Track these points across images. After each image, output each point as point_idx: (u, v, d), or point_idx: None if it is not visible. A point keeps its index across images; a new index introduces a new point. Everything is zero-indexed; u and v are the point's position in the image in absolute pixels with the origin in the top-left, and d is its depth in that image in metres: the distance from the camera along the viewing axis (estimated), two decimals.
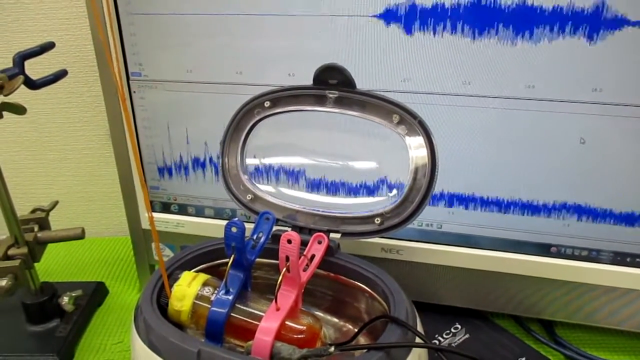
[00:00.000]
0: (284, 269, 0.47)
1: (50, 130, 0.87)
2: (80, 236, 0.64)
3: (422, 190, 0.51)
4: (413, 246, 0.61)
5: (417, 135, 0.51)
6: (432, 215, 0.61)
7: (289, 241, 0.46)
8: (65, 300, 0.66)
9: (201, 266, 0.55)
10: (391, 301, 0.47)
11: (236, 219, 0.46)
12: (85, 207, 0.93)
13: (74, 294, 0.67)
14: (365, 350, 0.43)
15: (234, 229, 0.46)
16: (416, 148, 0.51)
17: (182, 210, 0.69)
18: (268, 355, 0.45)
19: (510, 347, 0.60)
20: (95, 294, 0.72)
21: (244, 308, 0.49)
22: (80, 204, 0.93)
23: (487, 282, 0.62)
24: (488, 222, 0.59)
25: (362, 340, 0.52)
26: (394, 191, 0.54)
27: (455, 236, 0.61)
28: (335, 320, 0.56)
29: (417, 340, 0.45)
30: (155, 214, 0.70)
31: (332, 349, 0.44)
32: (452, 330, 0.62)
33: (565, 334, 0.65)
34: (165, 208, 0.70)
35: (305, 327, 0.47)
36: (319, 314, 0.55)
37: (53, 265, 0.82)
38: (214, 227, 0.67)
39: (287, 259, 0.47)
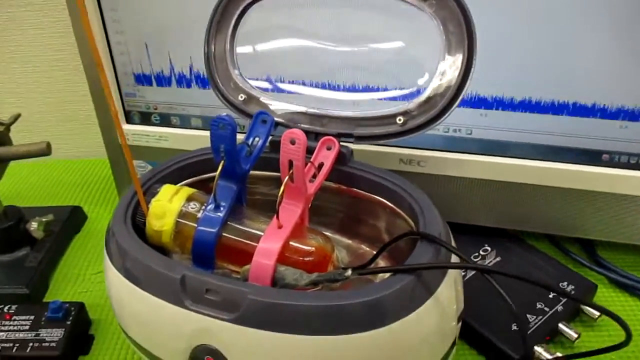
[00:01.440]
0: (287, 178, 0.38)
1: (16, 39, 0.76)
2: (45, 151, 0.54)
3: (455, 83, 0.41)
4: (437, 156, 0.52)
5: (449, 13, 0.40)
6: (461, 119, 0.51)
7: (293, 142, 0.37)
8: (34, 225, 0.57)
9: (187, 180, 0.46)
10: (420, 218, 0.38)
11: (224, 114, 0.37)
12: (61, 128, 0.83)
13: (44, 219, 0.59)
14: (389, 274, 0.35)
15: (221, 127, 0.37)
16: (449, 29, 0.40)
17: (165, 121, 0.59)
18: (269, 281, 0.36)
19: (548, 270, 0.52)
20: (70, 220, 0.64)
21: (239, 227, 0.40)
22: (54, 124, 0.83)
23: (522, 198, 0.53)
24: (526, 125, 0.50)
25: (381, 265, 0.43)
26: (421, 82, 0.43)
27: (486, 143, 0.52)
28: (348, 241, 0.47)
29: (455, 260, 0.37)
30: (133, 127, 0.60)
31: (349, 272, 0.35)
32: (481, 252, 0.54)
33: (607, 255, 0.57)
34: (145, 119, 0.60)
35: (313, 248, 0.39)
36: (329, 234, 0.46)
37: (23, 190, 0.73)
38: (203, 140, 0.57)
39: (291, 165, 0.38)
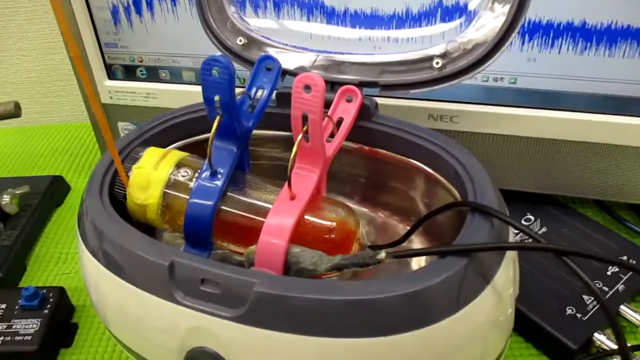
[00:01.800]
0: (300, 136, 0.30)
1: None
2: (14, 113, 0.47)
3: (508, 17, 0.33)
4: (474, 110, 0.44)
5: None
6: (503, 65, 0.43)
7: (308, 88, 0.28)
8: (5, 199, 0.50)
9: (177, 143, 0.38)
10: (469, 186, 0.30)
11: (219, 54, 0.29)
12: (38, 89, 0.75)
13: (18, 192, 0.51)
14: (429, 257, 0.27)
15: (216, 72, 0.29)
16: None
17: (153, 75, 0.51)
18: (280, 265, 0.29)
19: (602, 242, 0.45)
20: (50, 191, 0.56)
21: (241, 198, 0.32)
22: (30, 85, 0.74)
23: (571, 158, 0.46)
24: (584, 70, 0.42)
25: (415, 244, 0.36)
26: (462, 18, 0.35)
27: (534, 95, 0.43)
28: (372, 214, 0.39)
29: (512, 239, 0.29)
30: (116, 83, 0.52)
31: (383, 254, 0.28)
32: (524, 222, 0.47)
33: None
34: (130, 74, 0.52)
35: (334, 224, 0.31)
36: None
37: None
38: (198, 97, 0.49)
39: (305, 120, 0.30)
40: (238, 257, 0.33)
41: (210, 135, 0.30)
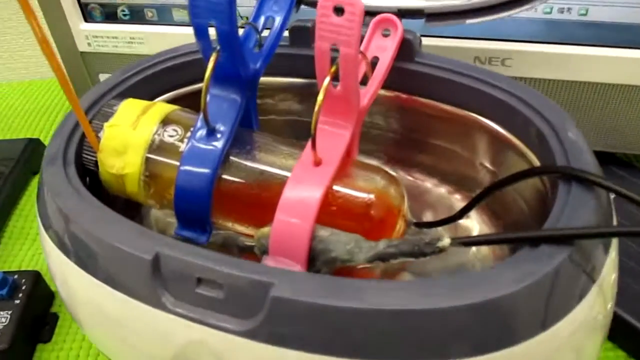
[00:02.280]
0: (328, 80, 0.22)
1: None
2: None
3: None
4: (532, 50, 0.36)
5: None
6: None
7: (339, 11, 0.20)
8: None
9: (165, 96, 0.30)
10: (557, 149, 0.22)
11: None
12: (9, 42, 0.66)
13: None
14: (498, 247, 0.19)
15: None
16: None
17: (137, 15, 0.43)
18: (304, 254, 0.21)
19: None
20: (25, 157, 0.48)
21: (249, 164, 0.24)
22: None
23: None
24: None
25: (473, 224, 0.28)
26: None
27: (606, 28, 0.35)
28: (409, 177, 0.32)
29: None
30: (95, 26, 0.43)
31: (446, 241, 0.20)
32: None
33: None
34: (110, 15, 0.43)
35: (373, 196, 0.24)
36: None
37: None
38: (192, 40, 0.41)
39: (333, 61, 0.22)
40: (247, 241, 0.26)
41: (204, 79, 0.22)
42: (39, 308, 0.37)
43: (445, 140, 0.29)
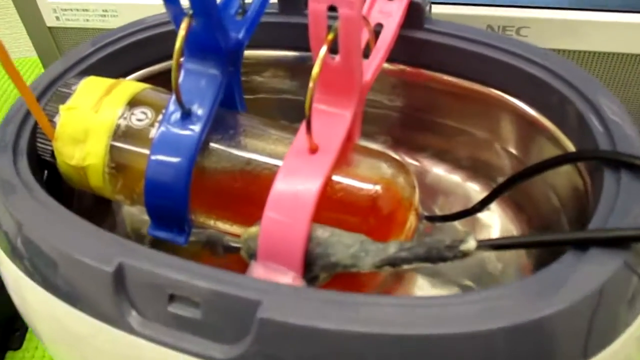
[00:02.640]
0: (324, 49, 0.18)
1: None
2: None
3: None
4: (552, 18, 0.32)
5: None
6: None
7: None
8: None
9: (134, 75, 0.26)
10: (597, 130, 0.19)
11: None
12: None
13: None
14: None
15: None
16: None
17: None
18: (299, 258, 0.18)
19: None
20: None
21: (232, 151, 0.21)
22: None
23: None
24: None
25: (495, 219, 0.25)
26: None
27: None
28: (415, 163, 0.28)
29: None
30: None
31: (472, 243, 0.16)
32: None
33: None
34: None
35: (380, 188, 0.20)
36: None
37: None
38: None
39: (331, 28, 0.18)
40: (233, 241, 0.22)
41: (174, 51, 0.18)
42: (6, 313, 0.33)
43: (460, 120, 0.25)
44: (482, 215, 0.23)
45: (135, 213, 0.27)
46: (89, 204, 0.24)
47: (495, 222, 0.24)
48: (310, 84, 0.18)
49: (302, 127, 0.19)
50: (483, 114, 0.24)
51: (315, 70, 0.18)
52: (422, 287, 0.24)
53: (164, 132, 0.20)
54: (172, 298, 0.16)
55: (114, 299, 0.16)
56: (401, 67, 0.25)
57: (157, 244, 0.23)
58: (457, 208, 0.23)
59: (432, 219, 0.22)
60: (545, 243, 0.16)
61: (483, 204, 0.22)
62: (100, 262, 0.16)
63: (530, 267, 0.23)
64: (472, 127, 0.25)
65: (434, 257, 0.17)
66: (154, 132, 0.20)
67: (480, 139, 0.25)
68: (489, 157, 0.25)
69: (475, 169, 0.25)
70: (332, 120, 0.20)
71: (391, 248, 0.18)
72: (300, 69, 0.26)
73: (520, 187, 0.21)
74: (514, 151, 0.24)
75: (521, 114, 0.22)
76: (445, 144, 0.26)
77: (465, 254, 0.17)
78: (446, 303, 0.14)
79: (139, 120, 0.21)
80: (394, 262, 0.18)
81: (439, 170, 0.26)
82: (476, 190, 0.25)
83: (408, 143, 0.28)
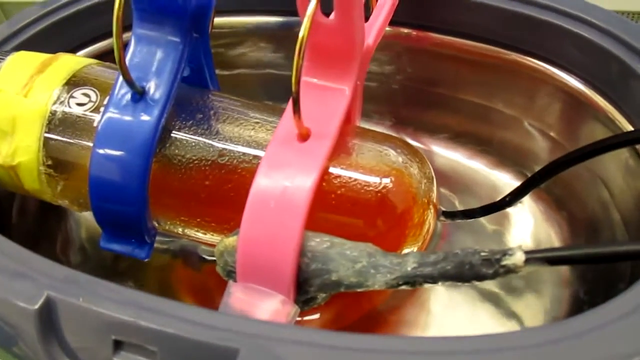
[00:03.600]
0: (313, 3, 0.14)
1: None
2: None
3: None
4: None
5: None
6: None
7: None
8: None
9: (84, 50, 0.22)
10: None
11: None
12: None
13: None
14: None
15: None
16: None
17: None
18: (289, 279, 0.14)
19: None
20: None
21: (201, 141, 0.16)
22: None
23: None
24: None
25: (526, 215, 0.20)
26: None
27: None
28: (442, 152, 0.23)
29: None
30: None
31: (520, 256, 0.12)
32: None
33: None
34: None
35: (390, 182, 0.16)
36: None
37: None
38: None
39: None
40: (208, 255, 0.18)
41: (114, 9, 0.14)
42: None
43: (483, 95, 0.21)
44: (511, 211, 0.19)
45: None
46: (33, 208, 0.20)
47: (527, 219, 0.19)
48: (297, 49, 0.13)
49: (289, 107, 0.15)
50: (512, 87, 0.20)
51: (304, 30, 0.13)
52: (438, 293, 0.20)
53: (111, 118, 0.15)
54: (118, 345, 0.12)
55: (41, 346, 0.12)
56: (407, 30, 0.21)
57: (121, 259, 0.19)
58: (478, 200, 0.19)
59: (452, 215, 0.18)
60: (620, 256, 0.12)
61: (515, 197, 0.17)
62: (21, 297, 0.12)
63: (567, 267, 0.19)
64: (498, 103, 0.20)
65: (467, 275, 0.13)
66: (99, 119, 0.16)
67: (508, 118, 0.20)
68: (519, 139, 0.20)
69: (501, 155, 0.21)
70: (326, 97, 0.15)
71: (409, 263, 0.14)
72: (286, 38, 0.22)
73: (559, 178, 0.17)
74: (551, 133, 0.19)
75: (564, 88, 0.18)
76: (464, 124, 0.21)
77: (509, 271, 0.13)
78: (477, 343, 0.10)
79: (80, 104, 0.16)
80: (413, 281, 0.14)
81: (455, 156, 0.22)
82: (504, 180, 0.20)
83: (415, 124, 0.23)
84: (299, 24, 0.14)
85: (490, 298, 0.19)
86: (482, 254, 0.13)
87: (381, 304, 0.19)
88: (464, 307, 0.19)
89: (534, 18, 0.18)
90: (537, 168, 0.17)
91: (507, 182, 0.20)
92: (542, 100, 0.19)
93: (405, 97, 0.23)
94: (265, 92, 0.22)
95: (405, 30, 0.21)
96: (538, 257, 0.12)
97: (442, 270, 0.13)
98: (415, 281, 0.13)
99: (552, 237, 0.19)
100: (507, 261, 0.12)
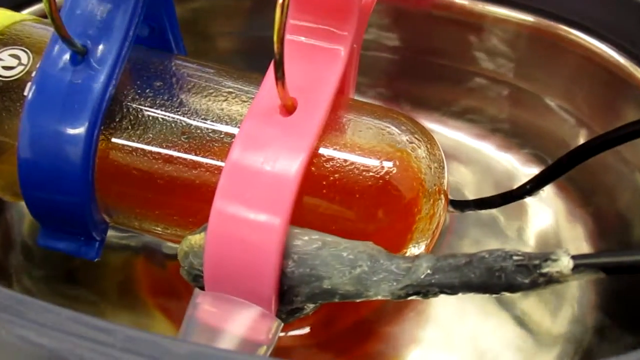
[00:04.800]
0: None
1: None
2: None
3: None
4: None
5: None
6: None
7: None
8: None
9: (31, 8, 0.18)
10: None
11: None
12: None
13: None
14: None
15: None
16: None
17: None
18: (270, 288, 0.11)
19: None
20: None
21: (160, 115, 0.13)
22: None
23: None
24: None
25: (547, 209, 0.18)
26: None
27: None
28: (447, 131, 0.21)
29: None
30: None
31: (566, 262, 0.10)
32: None
33: None
34: None
35: (392, 165, 0.13)
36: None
37: None
38: None
39: None
40: (173, 252, 0.15)
41: None
42: None
43: (494, 65, 0.18)
44: (528, 202, 0.16)
45: None
46: None
47: (546, 213, 0.16)
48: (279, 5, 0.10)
49: (269, 72, 0.12)
50: (530, 59, 0.17)
51: None
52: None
53: (45, 85, 0.12)
54: None
55: None
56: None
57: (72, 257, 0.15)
58: (490, 188, 0.17)
59: (463, 205, 0.15)
60: None
61: (537, 185, 0.15)
62: None
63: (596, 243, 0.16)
64: (513, 76, 0.17)
65: (496, 285, 0.10)
66: (29, 90, 0.12)
67: (525, 93, 0.17)
68: (537, 118, 0.17)
69: (516, 134, 0.18)
70: (316, 60, 0.12)
71: (422, 268, 0.11)
72: None
73: (585, 165, 0.14)
74: (576, 112, 0.16)
75: (596, 59, 0.15)
76: (473, 100, 0.19)
77: (551, 280, 0.10)
78: None
79: (8, 67, 0.13)
80: (426, 291, 0.11)
81: (459, 135, 0.19)
82: (517, 166, 0.18)
83: (412, 98, 0.20)
84: None
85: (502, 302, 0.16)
86: (516, 257, 0.10)
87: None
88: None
89: None
90: (558, 152, 0.15)
91: (520, 167, 0.17)
92: (569, 74, 0.16)
93: (401, 68, 0.20)
94: (242, 59, 0.19)
95: None
96: (590, 263, 0.10)
97: (464, 279, 0.10)
98: (428, 291, 0.11)
99: (578, 235, 0.16)
100: (550, 268, 0.10)
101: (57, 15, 0.11)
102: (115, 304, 0.17)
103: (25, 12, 0.18)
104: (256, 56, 0.20)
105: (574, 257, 0.10)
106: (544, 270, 0.10)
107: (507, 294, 0.10)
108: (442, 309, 0.17)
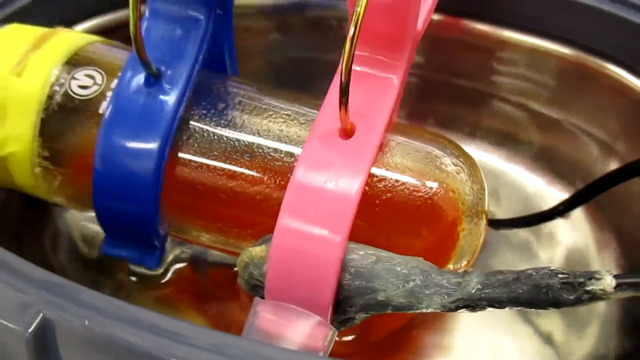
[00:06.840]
0: None
1: None
2: None
3: None
4: None
5: None
6: None
7: None
8: None
9: (87, 24, 0.19)
10: None
11: None
12: None
13: None
14: None
15: None
16: None
17: None
18: (328, 298, 0.12)
19: None
20: None
21: (224, 134, 0.14)
22: None
23: None
24: None
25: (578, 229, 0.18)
26: None
27: None
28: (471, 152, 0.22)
29: None
30: None
31: (609, 281, 0.11)
32: None
33: None
34: None
35: (439, 186, 0.14)
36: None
37: None
38: None
39: None
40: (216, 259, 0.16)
41: None
42: None
43: (519, 92, 0.19)
44: (557, 224, 0.17)
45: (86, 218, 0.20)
46: (20, 205, 0.18)
47: (566, 234, 0.17)
48: (352, 29, 0.11)
49: (330, 97, 0.13)
50: (562, 87, 0.18)
51: (361, 6, 0.11)
52: None
53: (121, 104, 0.13)
54: None
55: None
56: (444, 16, 0.19)
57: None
58: (511, 209, 0.17)
59: (498, 223, 0.16)
60: None
61: (568, 207, 0.16)
62: (10, 318, 0.10)
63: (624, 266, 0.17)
64: (539, 103, 0.18)
65: (543, 301, 0.11)
66: (105, 105, 0.13)
67: (550, 119, 0.18)
68: (563, 143, 0.18)
69: (541, 157, 0.19)
70: (372, 87, 0.13)
71: (472, 283, 0.12)
72: (317, 18, 0.20)
73: (615, 191, 0.15)
74: (603, 136, 0.17)
75: (626, 91, 0.16)
76: (498, 123, 0.19)
77: (595, 297, 0.11)
78: None
79: (83, 87, 0.14)
80: (475, 304, 0.12)
81: (489, 158, 0.20)
82: (544, 188, 0.18)
83: (440, 119, 0.21)
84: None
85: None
86: (561, 275, 0.11)
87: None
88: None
89: (595, 9, 0.16)
90: (586, 178, 0.16)
91: (546, 189, 0.18)
92: (596, 102, 0.17)
93: (428, 90, 0.21)
94: (292, 79, 0.20)
95: (442, 17, 0.19)
96: (631, 282, 0.10)
97: (512, 295, 0.11)
98: (477, 305, 0.12)
99: (606, 258, 0.17)
100: (594, 286, 0.11)
101: (141, 40, 0.12)
102: (156, 309, 0.18)
103: (80, 28, 0.19)
104: (279, 76, 0.21)
105: (616, 277, 0.11)
106: (588, 288, 0.11)
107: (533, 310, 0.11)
108: (464, 322, 0.17)
